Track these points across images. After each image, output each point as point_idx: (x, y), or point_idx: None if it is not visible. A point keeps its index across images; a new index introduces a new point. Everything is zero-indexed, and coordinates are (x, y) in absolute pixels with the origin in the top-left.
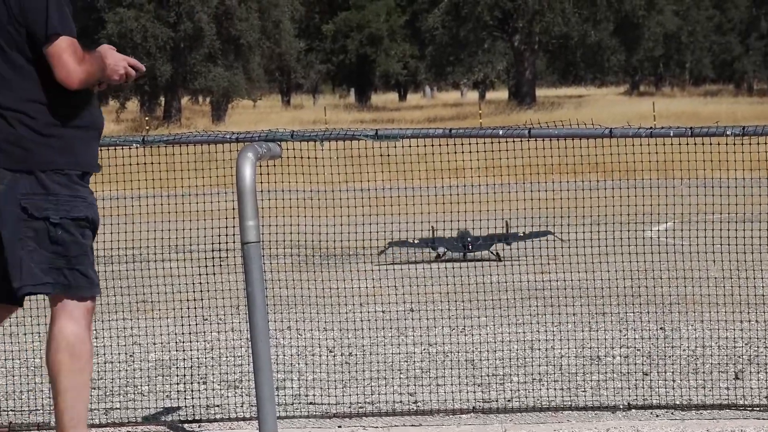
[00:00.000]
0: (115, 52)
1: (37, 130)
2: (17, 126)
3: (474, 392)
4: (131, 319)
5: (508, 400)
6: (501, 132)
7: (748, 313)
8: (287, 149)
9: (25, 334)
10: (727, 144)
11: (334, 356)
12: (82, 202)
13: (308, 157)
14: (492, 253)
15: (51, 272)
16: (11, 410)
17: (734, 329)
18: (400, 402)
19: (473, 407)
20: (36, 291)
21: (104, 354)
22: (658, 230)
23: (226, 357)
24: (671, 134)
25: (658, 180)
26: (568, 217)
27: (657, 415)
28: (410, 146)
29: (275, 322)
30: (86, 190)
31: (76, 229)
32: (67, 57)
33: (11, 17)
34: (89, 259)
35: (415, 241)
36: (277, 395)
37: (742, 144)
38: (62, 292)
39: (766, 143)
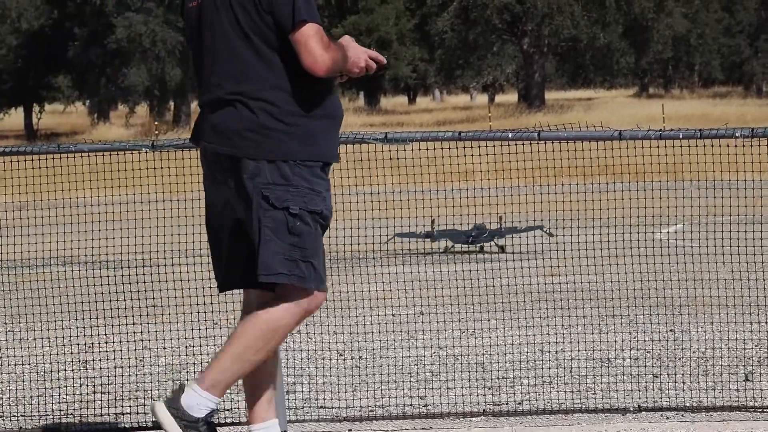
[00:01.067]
0: (356, 44)
1: (280, 119)
2: (260, 114)
3: (484, 395)
4: (141, 324)
5: (518, 403)
6: (510, 135)
7: (758, 314)
8: None
9: (34, 339)
10: (736, 146)
11: (344, 360)
12: (317, 195)
13: None
14: (496, 245)
15: (286, 263)
16: (21, 415)
17: (744, 331)
18: (410, 405)
19: (483, 410)
20: (269, 281)
21: (114, 359)
22: (668, 232)
23: None
24: (680, 136)
25: (668, 182)
26: (578, 219)
27: (667, 418)
28: (419, 149)
29: None
30: (324, 183)
31: (312, 221)
32: (314, 44)
33: (256, 5)
34: (321, 254)
35: (421, 233)
36: (288, 399)
37: (751, 146)
38: (296, 282)
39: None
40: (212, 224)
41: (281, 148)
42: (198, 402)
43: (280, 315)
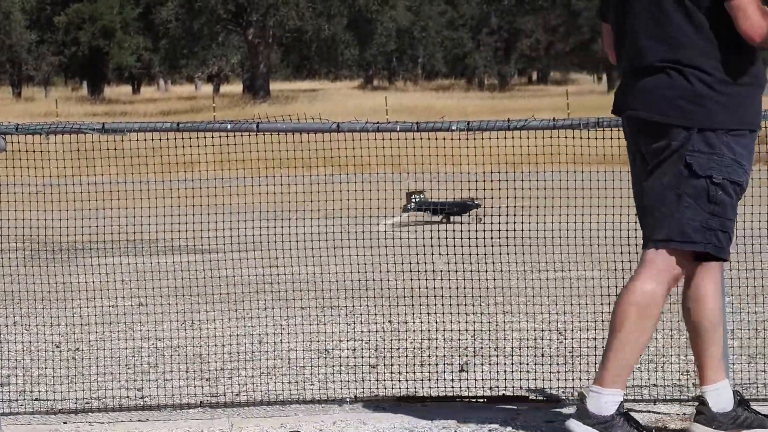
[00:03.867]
0: None
1: (713, 87)
2: (695, 83)
3: (202, 387)
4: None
5: (236, 394)
6: (229, 126)
7: (473, 305)
8: (12, 142)
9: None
10: (452, 139)
11: (60, 351)
12: (740, 167)
13: (35, 151)
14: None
15: (702, 231)
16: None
17: (460, 322)
18: (127, 397)
19: (201, 401)
20: (682, 247)
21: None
22: (389, 223)
23: None
24: (398, 129)
25: (391, 174)
26: (300, 210)
27: (383, 408)
28: (142, 140)
29: (1, 317)
30: (747, 155)
31: (733, 192)
32: (752, 10)
33: None
34: (734, 225)
35: (410, 206)
36: (2, 391)
37: (467, 138)
38: (711, 251)
39: (490, 138)
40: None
41: (712, 117)
42: (605, 401)
43: (652, 288)
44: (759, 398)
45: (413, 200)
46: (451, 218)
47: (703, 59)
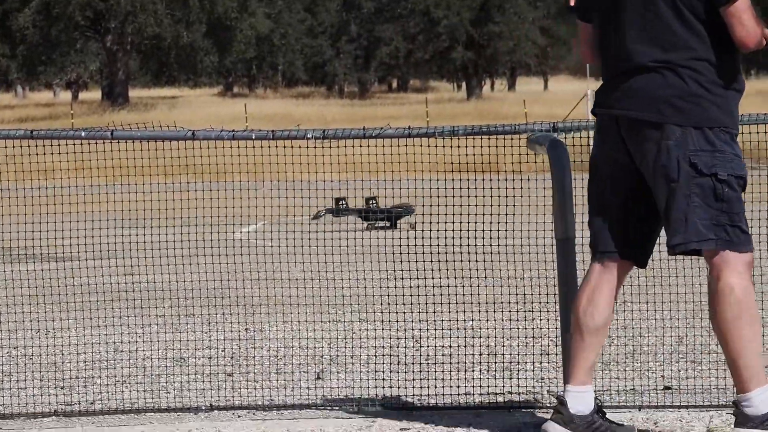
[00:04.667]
0: None
1: (707, 87)
2: (690, 82)
3: (56, 395)
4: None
5: (91, 403)
6: (84, 134)
7: (329, 313)
8: None
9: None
10: (307, 147)
11: None
12: (740, 161)
13: None
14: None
15: (714, 228)
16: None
17: (316, 330)
18: None
19: (55, 410)
20: (700, 247)
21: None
22: (246, 232)
23: None
24: (253, 137)
25: (248, 182)
26: (157, 218)
27: (239, 416)
28: None
29: None
30: (739, 150)
31: (738, 186)
32: (747, 17)
33: None
34: (745, 217)
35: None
36: None
37: (322, 147)
38: (724, 247)
39: (345, 146)
40: (601, 195)
41: (708, 114)
42: (761, 400)
43: (736, 282)
44: (606, 405)
45: (342, 205)
46: (397, 223)
47: (698, 62)
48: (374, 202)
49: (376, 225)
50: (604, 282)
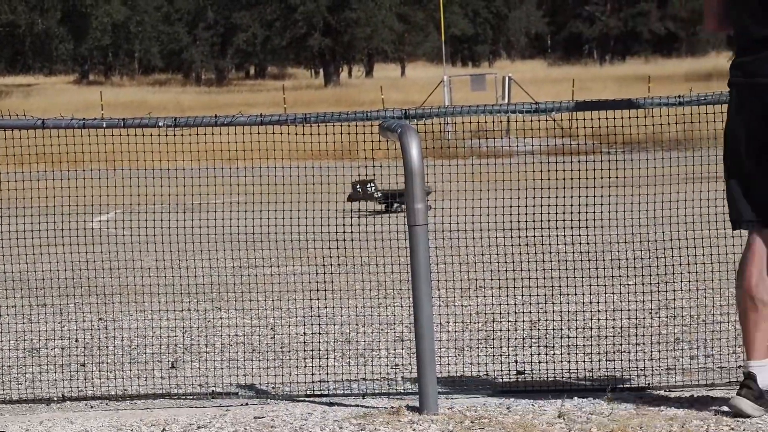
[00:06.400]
0: None
1: None
2: None
3: None
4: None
5: None
6: None
7: (182, 302)
8: None
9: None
10: (159, 135)
11: None
12: None
13: None
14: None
15: None
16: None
17: (171, 319)
18: None
19: None
20: None
21: None
22: (101, 220)
23: None
24: (104, 125)
25: (106, 170)
26: (10, 208)
27: (91, 406)
28: None
29: None
30: None
31: None
32: None
33: None
34: None
35: (378, 195)
36: None
37: (174, 135)
38: None
39: (198, 134)
40: (740, 165)
41: None
42: None
43: None
44: (459, 391)
45: (358, 189)
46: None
47: None
48: (372, 185)
49: (398, 208)
50: (764, 251)
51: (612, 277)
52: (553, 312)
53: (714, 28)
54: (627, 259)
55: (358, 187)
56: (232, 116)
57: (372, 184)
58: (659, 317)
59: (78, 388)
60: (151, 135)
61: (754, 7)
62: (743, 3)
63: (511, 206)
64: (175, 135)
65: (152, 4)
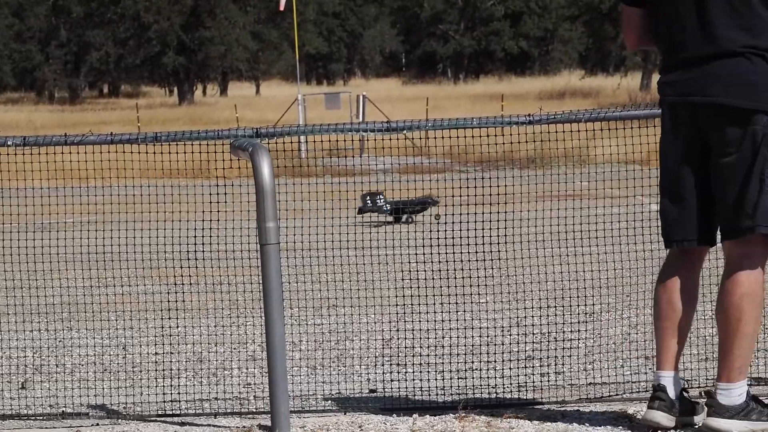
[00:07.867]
0: None
1: None
2: None
3: None
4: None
5: None
6: None
7: (32, 322)
8: None
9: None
10: (8, 154)
11: None
12: None
13: None
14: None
15: None
16: None
17: (20, 339)
18: None
19: None
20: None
21: None
22: None
23: None
24: None
25: None
26: None
27: None
28: None
29: None
30: None
31: None
32: None
33: None
34: None
35: (386, 207)
36: None
37: (23, 154)
38: None
39: (48, 153)
40: (673, 183)
41: None
42: (738, 393)
43: (755, 277)
44: (312, 410)
45: (368, 201)
46: (413, 217)
47: None
48: (381, 197)
49: (409, 219)
50: (683, 269)
51: (464, 295)
52: (406, 330)
53: (634, 45)
54: (479, 277)
55: (368, 199)
56: (83, 135)
57: (381, 197)
58: (510, 335)
59: None
60: (0, 154)
61: (692, 26)
62: (677, 20)
63: (362, 224)
64: (24, 154)
65: (4, 22)
